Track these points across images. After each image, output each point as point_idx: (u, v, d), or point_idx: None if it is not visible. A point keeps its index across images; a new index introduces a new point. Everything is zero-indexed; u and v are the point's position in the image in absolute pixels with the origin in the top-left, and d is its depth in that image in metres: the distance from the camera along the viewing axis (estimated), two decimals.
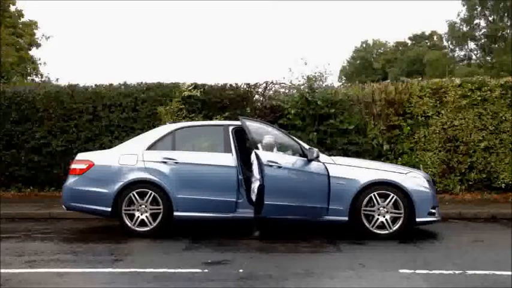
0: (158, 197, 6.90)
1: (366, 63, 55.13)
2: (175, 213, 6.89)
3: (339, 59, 64.16)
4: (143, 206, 6.92)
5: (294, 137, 7.36)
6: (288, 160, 6.83)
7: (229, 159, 6.97)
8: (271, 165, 6.60)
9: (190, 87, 10.85)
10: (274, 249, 6.19)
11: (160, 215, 6.89)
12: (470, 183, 10.58)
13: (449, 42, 41.95)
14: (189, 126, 7.68)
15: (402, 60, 48.29)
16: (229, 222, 7.25)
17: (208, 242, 6.53)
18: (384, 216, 6.71)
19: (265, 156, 6.66)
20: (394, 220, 6.71)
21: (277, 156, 6.83)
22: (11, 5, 21.59)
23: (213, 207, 6.89)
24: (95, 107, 11.11)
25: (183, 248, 6.24)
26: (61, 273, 5.05)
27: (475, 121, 10.49)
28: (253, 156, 6.89)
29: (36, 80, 22.35)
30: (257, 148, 6.76)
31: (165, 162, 7.01)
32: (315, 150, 6.85)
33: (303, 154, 6.89)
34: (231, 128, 7.27)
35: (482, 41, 38.94)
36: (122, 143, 8.02)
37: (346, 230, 7.01)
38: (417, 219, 6.74)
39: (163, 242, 6.58)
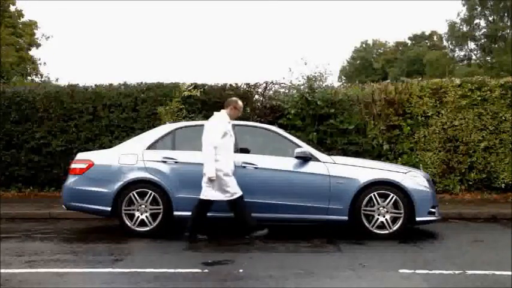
0: (158, 197, 6.89)
1: (366, 63, 55.19)
2: (175, 213, 6.89)
3: (339, 59, 64.31)
4: (143, 206, 6.91)
5: (291, 138, 7.29)
6: (269, 161, 6.85)
7: None
8: (244, 167, 6.81)
9: (190, 87, 10.84)
10: (274, 249, 6.18)
11: (160, 215, 6.89)
12: (470, 183, 10.57)
13: (449, 42, 42.05)
14: (189, 126, 7.67)
15: (402, 60, 48.36)
16: (229, 222, 7.24)
17: (208, 242, 6.53)
18: (384, 216, 6.71)
19: (241, 158, 6.84)
20: (394, 220, 6.71)
21: (255, 157, 6.94)
22: (11, 5, 21.62)
23: (212, 206, 6.87)
24: (95, 107, 11.10)
25: (183, 248, 6.24)
26: (61, 273, 5.04)
27: (475, 121, 10.49)
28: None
29: (36, 80, 22.41)
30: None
31: (165, 162, 7.02)
32: (300, 149, 6.88)
33: None
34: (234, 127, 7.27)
35: (482, 41, 38.99)
36: (121, 142, 8.02)
37: (346, 230, 7.01)
38: (417, 219, 6.75)
39: (163, 242, 6.57)
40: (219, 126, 6.58)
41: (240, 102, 7.01)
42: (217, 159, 6.44)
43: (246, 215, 6.60)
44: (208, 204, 6.57)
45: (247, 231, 6.63)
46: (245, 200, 6.73)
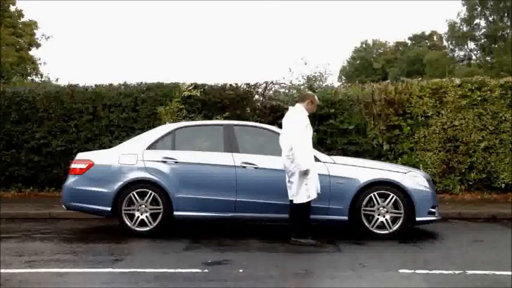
0: (158, 197, 6.89)
1: (366, 63, 55.16)
2: (175, 213, 6.89)
3: (339, 59, 64.29)
4: (143, 206, 6.91)
5: None
6: (269, 161, 6.85)
7: (229, 158, 6.97)
8: (244, 167, 6.84)
9: (190, 87, 10.84)
10: (274, 249, 6.18)
11: (160, 215, 6.88)
12: (470, 183, 10.57)
13: (449, 42, 42.06)
14: (189, 126, 7.68)
15: (402, 60, 48.36)
16: (229, 222, 7.25)
17: (208, 242, 6.53)
18: (384, 216, 6.71)
19: (241, 158, 6.89)
20: (394, 220, 6.71)
21: (255, 157, 6.95)
22: (11, 5, 21.62)
23: (212, 206, 6.89)
24: (95, 107, 11.10)
25: (183, 248, 6.24)
26: (61, 273, 5.05)
27: (475, 121, 10.48)
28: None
29: (36, 80, 22.41)
30: None
31: (165, 162, 7.01)
32: None
33: None
34: (234, 127, 7.29)
35: (482, 41, 39.00)
36: (121, 142, 8.02)
37: (346, 230, 7.01)
38: (417, 219, 6.75)
39: (163, 242, 6.57)
40: (300, 120, 6.40)
41: (316, 97, 6.90)
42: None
43: (306, 220, 6.42)
44: (310, 204, 6.37)
45: (296, 235, 6.40)
46: (244, 200, 6.77)
